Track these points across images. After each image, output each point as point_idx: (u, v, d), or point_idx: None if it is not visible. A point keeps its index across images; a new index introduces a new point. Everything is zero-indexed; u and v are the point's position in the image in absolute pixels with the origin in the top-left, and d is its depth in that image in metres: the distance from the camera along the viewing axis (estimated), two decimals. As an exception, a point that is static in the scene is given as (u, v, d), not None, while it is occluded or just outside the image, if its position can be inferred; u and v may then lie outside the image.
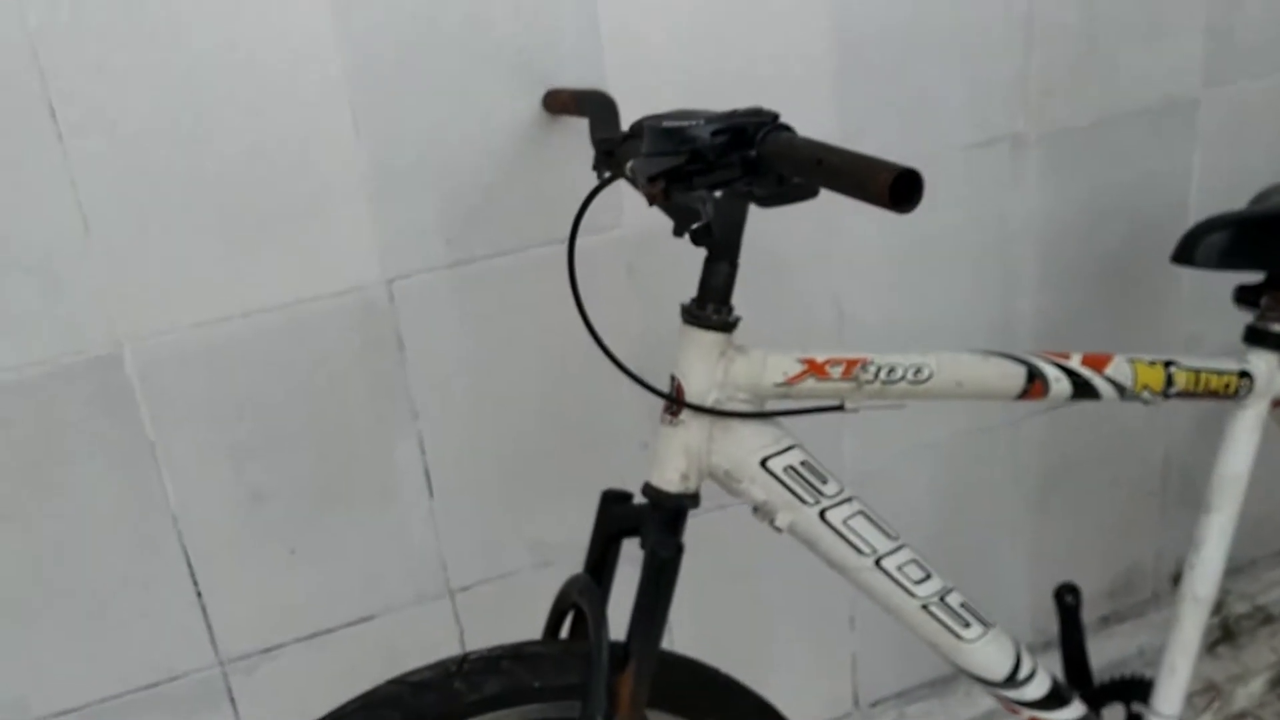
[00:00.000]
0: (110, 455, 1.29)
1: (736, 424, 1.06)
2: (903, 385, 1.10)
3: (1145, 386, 1.23)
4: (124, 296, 1.23)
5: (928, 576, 1.16)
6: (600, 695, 1.01)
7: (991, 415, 1.81)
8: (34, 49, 1.12)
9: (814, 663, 1.85)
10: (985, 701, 1.86)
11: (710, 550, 1.45)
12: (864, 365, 1.08)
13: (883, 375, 1.09)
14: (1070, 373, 1.18)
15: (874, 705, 1.93)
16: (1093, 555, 2.02)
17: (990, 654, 1.21)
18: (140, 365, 1.26)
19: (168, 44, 1.17)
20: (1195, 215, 1.81)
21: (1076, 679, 1.41)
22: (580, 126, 1.31)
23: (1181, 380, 1.25)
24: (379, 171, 1.29)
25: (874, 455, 1.73)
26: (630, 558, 1.10)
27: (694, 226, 0.88)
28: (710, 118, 0.87)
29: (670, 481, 1.05)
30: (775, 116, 0.87)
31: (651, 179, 0.87)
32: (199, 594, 1.38)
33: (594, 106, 1.15)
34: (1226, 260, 1.29)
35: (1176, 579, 2.11)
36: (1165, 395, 1.24)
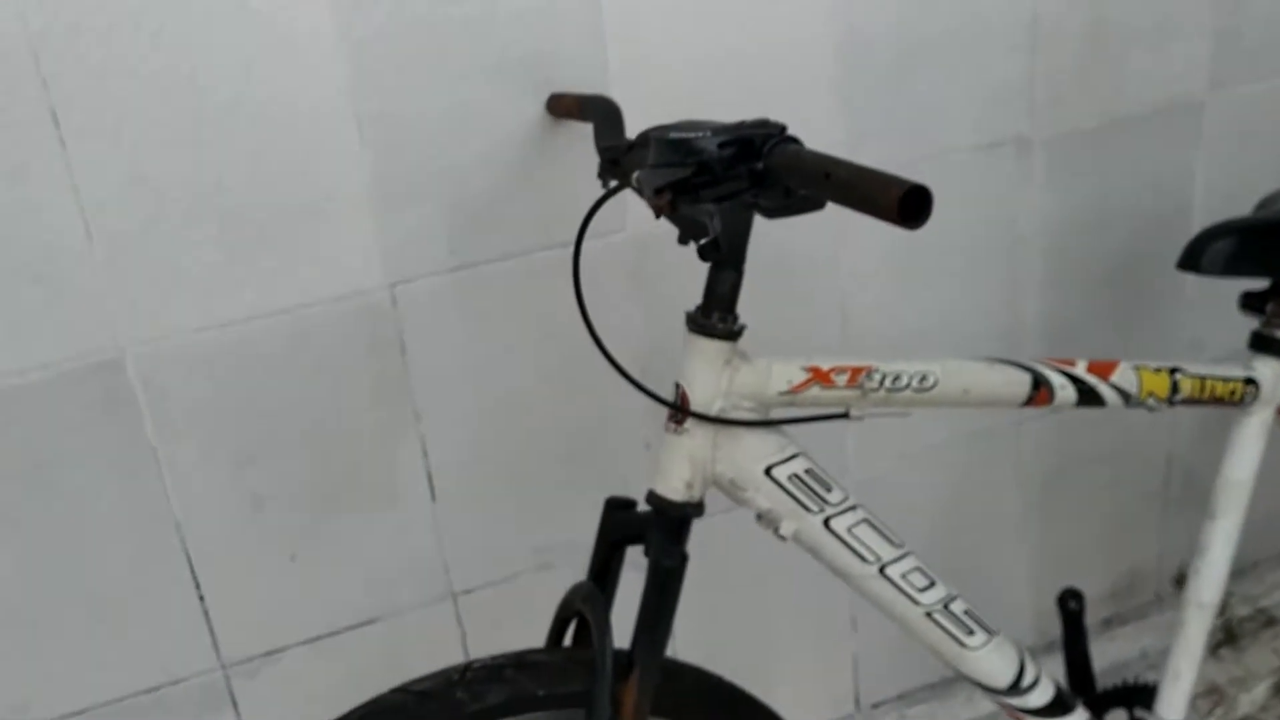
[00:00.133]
0: (112, 460, 1.28)
1: (741, 432, 1.06)
2: (908, 393, 1.10)
3: (1150, 394, 1.22)
4: (126, 301, 1.23)
5: (931, 584, 1.16)
6: (604, 704, 1.01)
7: (994, 418, 1.80)
8: (36, 54, 1.11)
9: (815, 664, 1.85)
10: (986, 704, 1.86)
11: (712, 552, 1.44)
12: (869, 373, 1.08)
13: (888, 383, 1.09)
14: (1075, 380, 1.18)
15: (875, 707, 1.93)
16: (1095, 557, 2.02)
17: (994, 662, 1.21)
18: (142, 370, 1.26)
19: (171, 50, 1.16)
20: (1199, 218, 1.80)
21: (1079, 685, 1.41)
22: (584, 131, 1.30)
23: (1187, 387, 1.24)
24: (382, 176, 1.29)
25: (877, 458, 1.73)
26: (634, 563, 1.10)
27: (702, 242, 0.88)
28: (717, 129, 0.87)
29: (675, 490, 1.05)
30: (783, 128, 0.87)
31: (658, 191, 0.87)
32: (201, 597, 1.38)
33: (598, 112, 1.15)
34: (1232, 267, 1.28)
35: (1179, 581, 2.12)
36: (1170, 402, 1.24)
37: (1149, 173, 1.74)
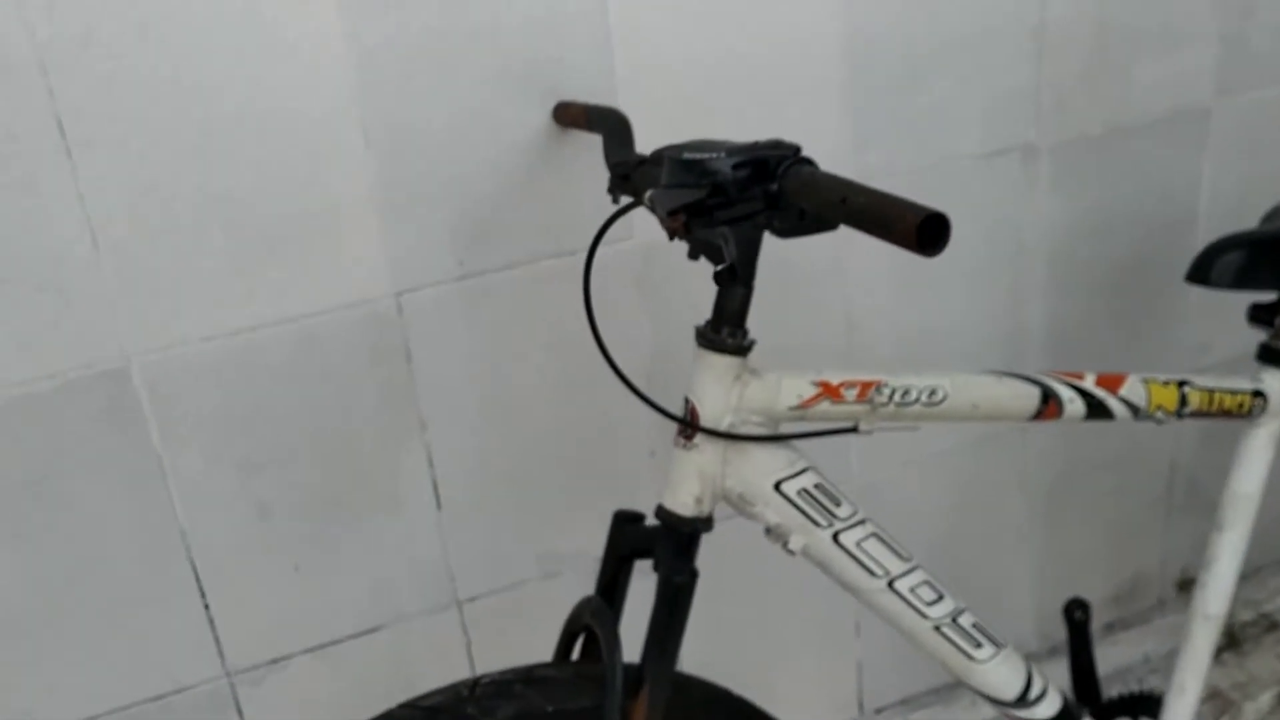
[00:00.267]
0: (118, 469, 1.28)
1: (751, 447, 1.05)
2: (917, 407, 1.09)
3: (1159, 407, 1.22)
4: (132, 311, 1.23)
5: (940, 598, 1.15)
6: (615, 720, 1.01)
7: (999, 424, 1.80)
8: (43, 64, 1.11)
9: (819, 669, 1.85)
10: (989, 709, 1.86)
11: (716, 558, 1.44)
12: (879, 387, 1.07)
13: (897, 397, 1.08)
14: (1084, 393, 1.17)
15: (879, 712, 1.93)
16: (1098, 562, 2.02)
17: (1002, 674, 1.21)
18: (148, 379, 1.26)
19: (177, 59, 1.16)
20: (1205, 225, 1.80)
21: (1085, 694, 1.41)
22: (591, 140, 1.30)
23: (1195, 400, 1.24)
24: (388, 185, 1.29)
25: (881, 464, 1.73)
26: (641, 568, 1.10)
27: (719, 269, 0.87)
28: (731, 150, 0.86)
29: (684, 505, 1.05)
30: (797, 149, 0.86)
31: (672, 213, 0.86)
32: (206, 606, 1.38)
33: (607, 124, 1.14)
34: (1241, 280, 1.28)
35: (1182, 586, 2.12)
36: (1179, 415, 1.24)
37: (1155, 179, 1.74)
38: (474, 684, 1.05)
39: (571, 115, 1.28)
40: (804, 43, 1.44)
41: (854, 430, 1.07)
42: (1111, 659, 1.98)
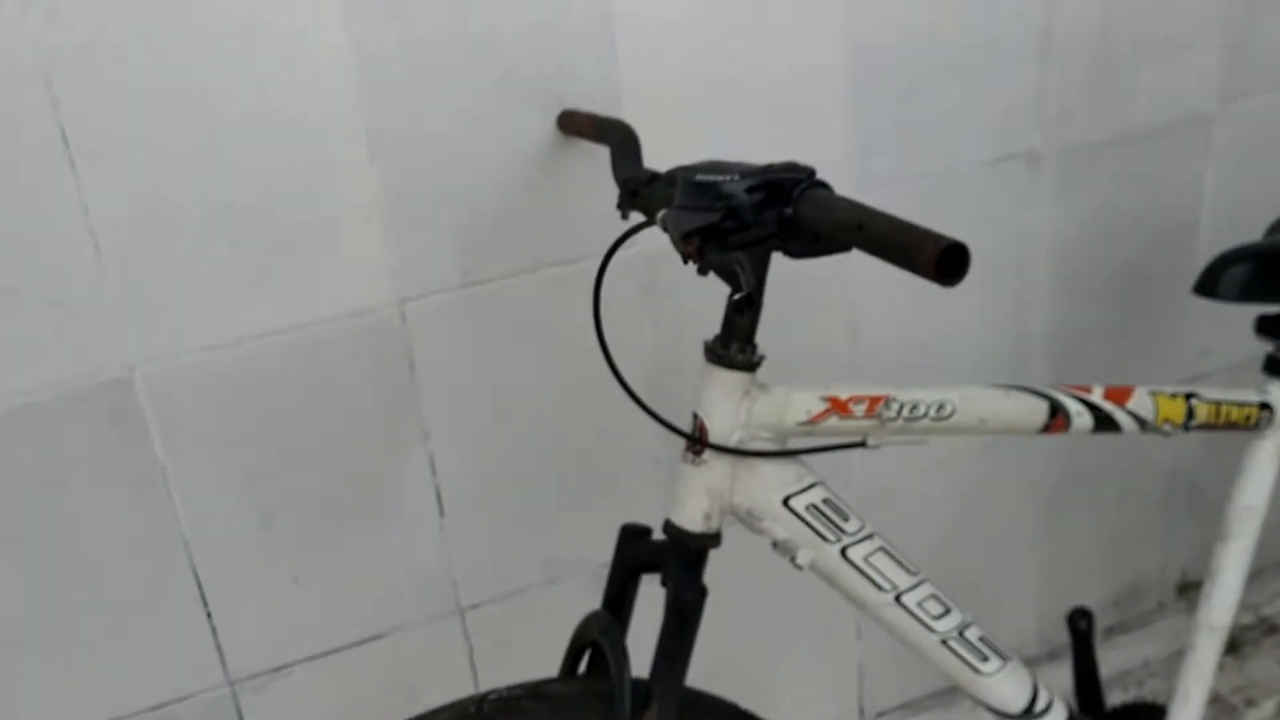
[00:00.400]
0: (121, 478, 1.27)
1: (759, 463, 1.05)
2: (925, 422, 1.09)
3: (1166, 420, 1.22)
4: (135, 320, 1.22)
5: (947, 611, 1.15)
6: (623, 738, 1.01)
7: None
8: (47, 74, 1.10)
9: (821, 673, 1.85)
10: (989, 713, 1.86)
11: (718, 564, 1.44)
12: (887, 402, 1.07)
13: (905, 412, 1.08)
14: (1092, 407, 1.17)
15: (880, 716, 1.93)
16: (1099, 566, 2.02)
17: (1008, 687, 1.20)
18: (151, 388, 1.25)
19: (181, 69, 1.15)
20: (1207, 231, 1.80)
21: (1088, 703, 1.41)
22: (595, 148, 1.30)
23: (1203, 413, 1.24)
24: (392, 194, 1.28)
25: (884, 470, 1.72)
26: (646, 580, 1.10)
27: (735, 298, 0.86)
28: (745, 172, 0.85)
29: (693, 521, 1.04)
30: (811, 172, 0.85)
31: (685, 236, 0.85)
32: (209, 614, 1.37)
33: (615, 136, 1.14)
34: (1248, 293, 1.28)
35: (1181, 589, 2.12)
36: (1186, 428, 1.23)
37: (1157, 186, 1.74)
38: (481, 700, 1.05)
39: (577, 124, 1.27)
40: (809, 50, 1.43)
41: (862, 445, 1.06)
42: (1111, 663, 1.99)
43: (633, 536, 1.11)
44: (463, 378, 1.40)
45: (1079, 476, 1.91)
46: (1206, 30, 1.67)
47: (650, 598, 1.10)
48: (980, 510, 1.85)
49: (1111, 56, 1.62)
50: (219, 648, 1.39)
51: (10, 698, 1.31)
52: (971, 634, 1.17)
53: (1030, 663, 1.99)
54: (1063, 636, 2.03)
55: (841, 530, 1.08)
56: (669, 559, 1.05)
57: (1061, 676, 1.92)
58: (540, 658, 1.51)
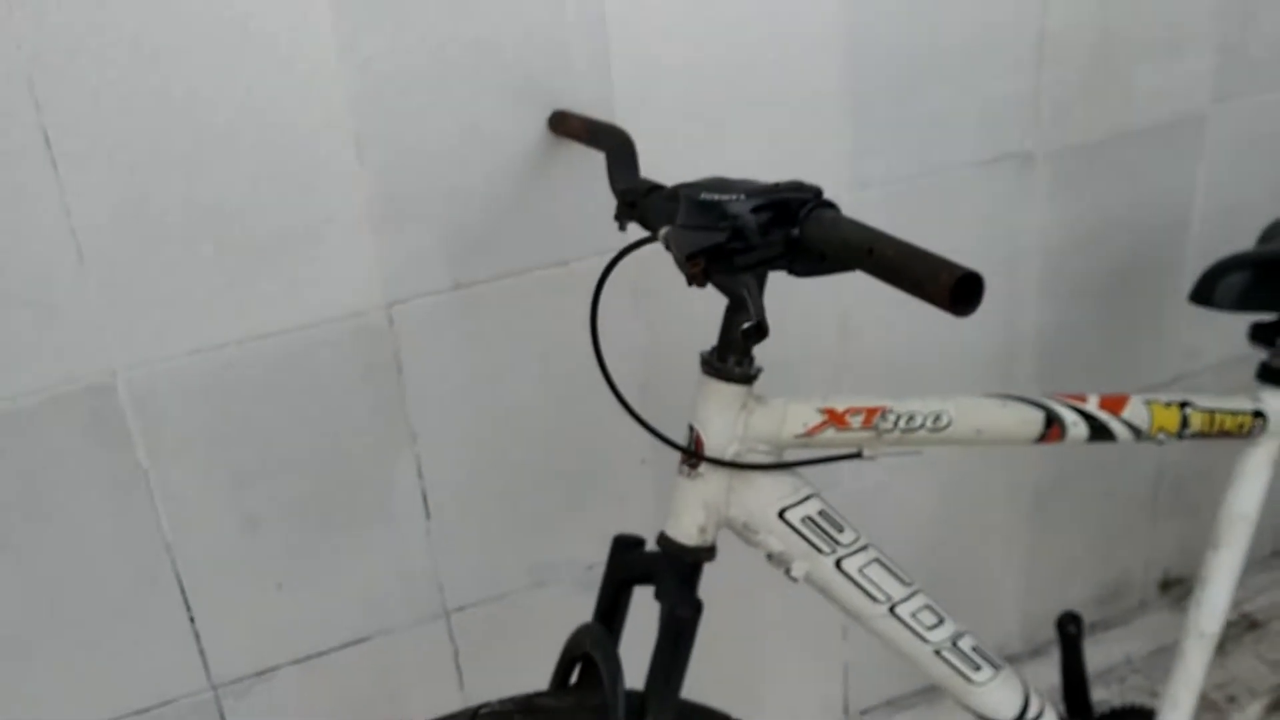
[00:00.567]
0: (103, 483, 1.25)
1: (755, 476, 1.04)
2: (922, 433, 1.08)
3: (1161, 428, 1.21)
4: (118, 324, 1.20)
5: (940, 621, 1.15)
6: (617, 753, 0.99)
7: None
8: (29, 77, 1.07)
9: (807, 672, 1.85)
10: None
11: (706, 565, 1.44)
12: (884, 414, 1.06)
13: (902, 423, 1.07)
14: (1087, 416, 1.17)
15: (864, 713, 1.93)
16: (1084, 565, 2.03)
17: (1000, 696, 1.20)
18: (134, 393, 1.23)
19: (167, 71, 1.13)
20: (1197, 231, 1.80)
21: (1076, 708, 1.41)
22: (587, 149, 1.28)
23: (1197, 422, 1.24)
24: (381, 196, 1.26)
25: (871, 469, 1.71)
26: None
27: (745, 327, 0.85)
28: (750, 191, 0.84)
29: (688, 535, 1.03)
30: (818, 192, 0.84)
31: (690, 257, 0.84)
32: (192, 619, 1.35)
33: (610, 143, 1.12)
34: (1244, 302, 1.27)
35: (1164, 586, 2.13)
36: (1180, 436, 1.23)
37: (1149, 186, 1.73)
38: (473, 714, 1.03)
39: (570, 128, 1.26)
40: (803, 52, 1.42)
41: (858, 456, 1.05)
42: (1094, 660, 1.99)
43: (625, 548, 1.09)
44: (450, 381, 1.38)
45: (1065, 475, 1.91)
46: (1202, 30, 1.66)
47: (639, 605, 1.09)
48: (965, 508, 1.85)
49: (1107, 56, 1.61)
50: (202, 652, 1.37)
51: (-10, 704, 1.30)
52: (965, 644, 1.17)
53: (1014, 660, 2.00)
54: (1046, 634, 2.03)
55: (836, 542, 1.08)
56: (663, 573, 1.04)
57: (1045, 674, 1.94)
58: (526, 661, 1.50)
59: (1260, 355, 1.32)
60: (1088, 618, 2.08)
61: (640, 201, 0.99)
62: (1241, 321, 1.37)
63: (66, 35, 1.08)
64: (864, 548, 1.10)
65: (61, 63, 1.08)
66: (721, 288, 0.88)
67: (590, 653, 1.06)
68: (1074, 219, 1.69)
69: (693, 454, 1.02)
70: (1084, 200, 1.69)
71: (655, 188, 0.99)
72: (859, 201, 1.49)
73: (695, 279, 0.85)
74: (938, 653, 1.15)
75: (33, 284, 1.15)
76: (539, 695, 1.06)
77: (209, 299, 1.22)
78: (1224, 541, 1.34)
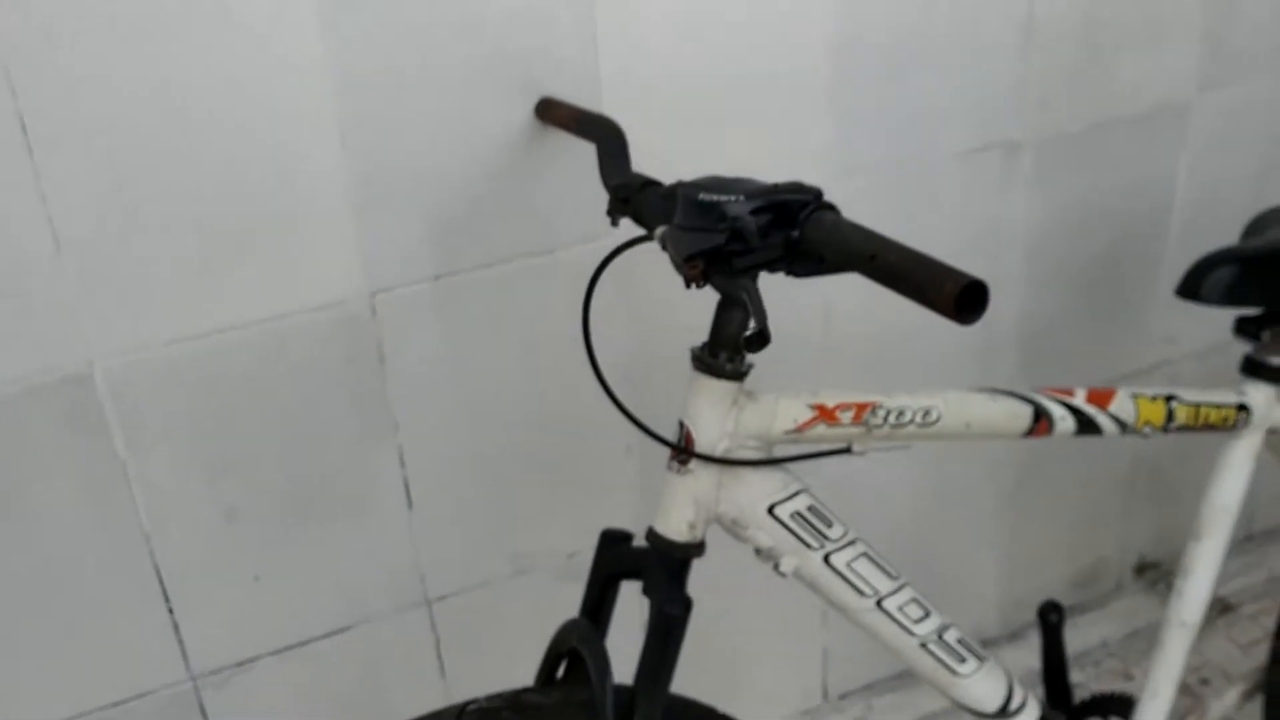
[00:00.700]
0: (81, 475, 1.24)
1: (745, 472, 1.03)
2: (911, 428, 1.08)
3: (1147, 422, 1.22)
4: (95, 314, 1.18)
5: (926, 615, 1.14)
6: (605, 750, 0.99)
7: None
8: (4, 62, 1.05)
9: (786, 658, 1.86)
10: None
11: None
12: (874, 409, 1.05)
13: (892, 419, 1.06)
14: (1074, 410, 1.17)
15: (843, 698, 1.94)
16: (1061, 549, 2.04)
17: (984, 688, 1.20)
18: (112, 384, 1.21)
19: (146, 56, 1.10)
20: (1179, 220, 1.80)
21: (1056, 696, 1.41)
22: (573, 137, 1.26)
23: (1182, 415, 1.24)
24: (364, 184, 1.24)
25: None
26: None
27: (746, 334, 0.84)
28: (750, 192, 0.82)
29: (678, 531, 1.02)
30: (818, 194, 0.83)
31: (688, 259, 0.83)
32: (170, 610, 1.34)
33: (601, 135, 1.10)
34: (1230, 297, 1.28)
35: (1139, 570, 2.15)
36: (1165, 429, 1.23)
37: (1131, 174, 1.73)
38: (460, 711, 1.02)
39: (558, 116, 1.24)
40: (791, 38, 1.40)
41: (847, 451, 1.05)
42: (1070, 643, 1.97)
43: (613, 542, 1.08)
44: (433, 370, 1.37)
45: (1043, 460, 1.91)
46: (1188, 18, 1.66)
47: (624, 598, 1.08)
48: (944, 493, 1.86)
49: (1093, 45, 1.60)
50: (181, 643, 1.36)
51: (-36, 697, 1.28)
52: (950, 636, 1.17)
53: (991, 643, 2.01)
54: (1023, 617, 2.04)
55: (825, 537, 1.07)
56: (652, 570, 1.03)
57: (1022, 657, 1.95)
58: (508, 649, 1.51)
59: (1244, 348, 1.32)
60: (1064, 601, 2.08)
61: (634, 197, 0.98)
62: (1220, 311, 1.37)
63: (40, 18, 1.05)
64: (852, 542, 1.09)
65: (36, 46, 1.06)
66: (720, 290, 0.87)
67: (578, 649, 1.05)
68: (1059, 206, 1.69)
69: (683, 450, 1.01)
70: (1067, 189, 1.68)
71: (649, 183, 0.98)
72: (844, 189, 1.48)
73: (693, 280, 0.84)
74: (923, 645, 1.15)
75: (8, 273, 1.12)
76: (525, 691, 1.05)
77: (188, 288, 1.20)
78: (1206, 533, 1.34)
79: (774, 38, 1.39)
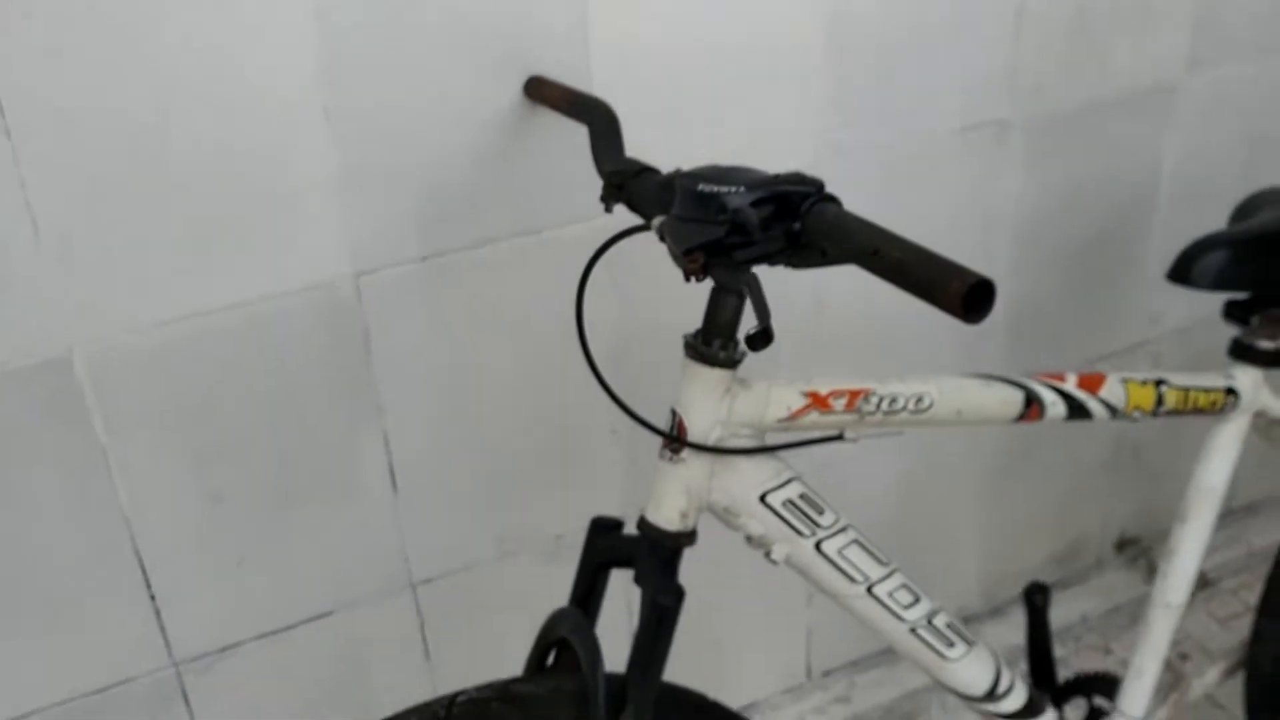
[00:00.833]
0: (60, 460, 1.22)
1: (738, 460, 1.02)
2: (904, 415, 1.07)
3: (1136, 407, 1.22)
4: (75, 298, 1.15)
5: (916, 600, 1.15)
6: (598, 739, 0.98)
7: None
8: (-21, 40, 1.02)
9: (770, 637, 1.86)
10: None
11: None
12: (866, 396, 1.05)
13: (884, 406, 1.06)
14: (1065, 396, 1.16)
15: (826, 675, 1.94)
16: (1043, 525, 2.04)
17: (972, 671, 1.21)
18: (92, 368, 1.19)
19: (129, 33, 1.08)
20: (1166, 201, 1.80)
21: (1041, 676, 1.42)
22: (562, 117, 1.24)
23: (1172, 400, 1.24)
24: (350, 163, 1.22)
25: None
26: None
27: (750, 333, 0.82)
28: (750, 183, 0.81)
29: (669, 520, 1.01)
30: (820, 185, 0.81)
31: (688, 252, 0.81)
32: (152, 596, 1.32)
33: (593, 118, 1.08)
34: (1220, 281, 1.27)
35: (1120, 546, 2.16)
36: (1155, 414, 1.23)
37: (1122, 155, 1.73)
38: (450, 703, 1.02)
39: (548, 97, 1.22)
40: (784, 20, 1.39)
41: (839, 438, 1.04)
42: (1052, 619, 2.01)
43: (603, 530, 1.07)
44: (419, 352, 1.35)
45: (1026, 438, 1.92)
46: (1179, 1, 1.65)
47: (613, 584, 1.07)
48: (927, 470, 1.86)
49: (1085, 27, 1.59)
50: (163, 629, 1.34)
51: (-56, 684, 1.26)
52: (939, 621, 1.17)
53: (974, 619, 2.02)
54: (1005, 593, 2.05)
55: (817, 525, 1.07)
56: (644, 559, 1.02)
57: (1004, 634, 1.96)
58: (493, 632, 1.50)
59: (1231, 331, 1.32)
60: (1045, 577, 2.10)
61: (629, 184, 0.96)
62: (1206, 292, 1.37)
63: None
64: (843, 529, 1.09)
65: (14, 23, 1.03)
66: (721, 283, 0.86)
67: (568, 638, 1.05)
68: (1048, 188, 1.69)
69: (675, 439, 1.00)
70: (1059, 169, 1.68)
71: (645, 169, 0.96)
72: (835, 167, 1.47)
73: (693, 273, 0.83)
74: (913, 631, 1.15)
75: (-15, 257, 1.10)
76: (515, 681, 1.05)
77: (169, 271, 1.18)
78: (1192, 514, 1.35)
79: (768, 18, 1.38)
